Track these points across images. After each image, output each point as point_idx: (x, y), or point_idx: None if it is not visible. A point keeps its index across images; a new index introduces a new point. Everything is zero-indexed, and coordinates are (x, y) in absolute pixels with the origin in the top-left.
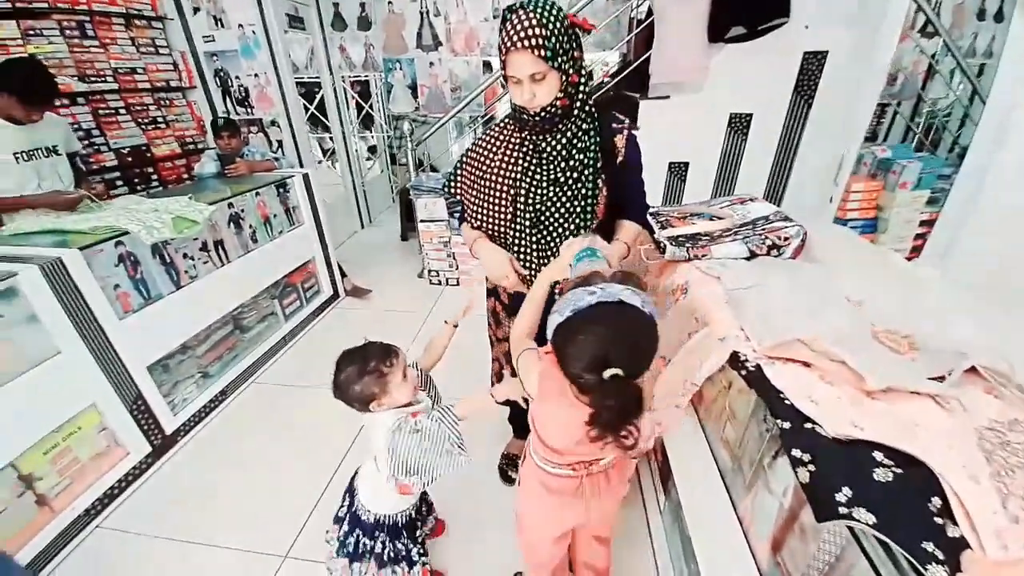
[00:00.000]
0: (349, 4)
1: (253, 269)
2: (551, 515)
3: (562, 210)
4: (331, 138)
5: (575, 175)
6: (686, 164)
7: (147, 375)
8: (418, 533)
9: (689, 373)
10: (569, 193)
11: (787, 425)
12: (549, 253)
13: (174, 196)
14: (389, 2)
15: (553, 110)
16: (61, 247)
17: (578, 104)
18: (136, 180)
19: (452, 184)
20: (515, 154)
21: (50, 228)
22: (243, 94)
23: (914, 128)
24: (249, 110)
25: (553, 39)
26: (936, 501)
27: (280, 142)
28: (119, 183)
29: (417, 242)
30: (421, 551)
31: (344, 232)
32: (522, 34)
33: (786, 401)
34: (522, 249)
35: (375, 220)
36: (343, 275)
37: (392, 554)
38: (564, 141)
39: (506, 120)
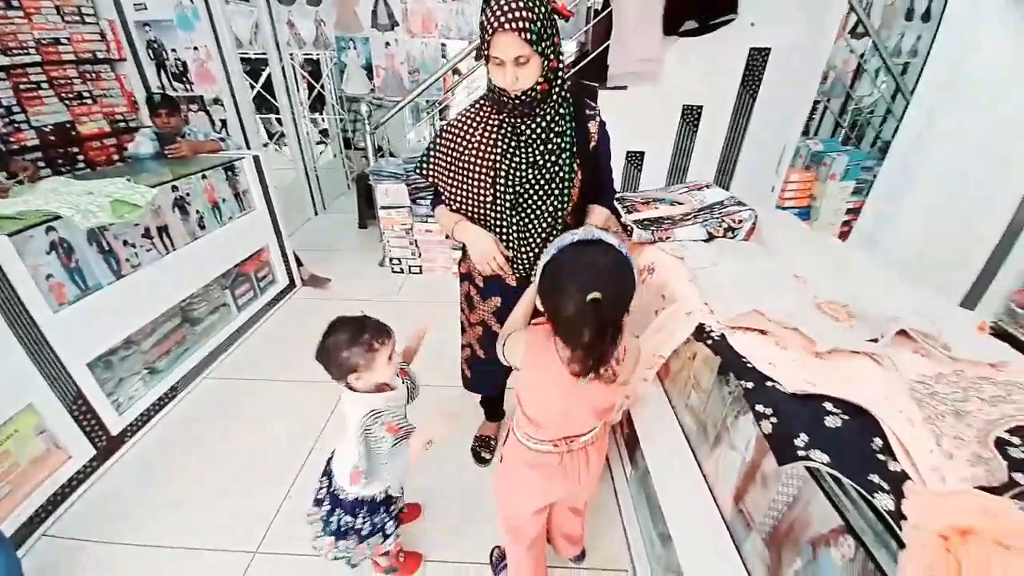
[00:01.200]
0: None
1: (201, 257)
2: (533, 489)
3: (540, 192)
4: (278, 120)
5: (553, 158)
6: (642, 153)
7: (87, 372)
8: (392, 508)
9: (658, 347)
10: (548, 176)
11: (750, 385)
12: (528, 234)
13: (109, 178)
14: None
15: (533, 94)
16: None
17: (556, 89)
18: (60, 161)
19: (425, 166)
20: (493, 136)
21: None
22: (181, 68)
23: (842, 123)
24: (188, 86)
25: (538, 23)
26: (878, 441)
27: (224, 122)
28: (41, 164)
29: (377, 229)
30: (396, 525)
31: (297, 220)
32: (510, 15)
33: (748, 365)
34: (502, 231)
35: (329, 207)
36: (299, 264)
37: (371, 529)
38: (544, 125)
39: (482, 102)
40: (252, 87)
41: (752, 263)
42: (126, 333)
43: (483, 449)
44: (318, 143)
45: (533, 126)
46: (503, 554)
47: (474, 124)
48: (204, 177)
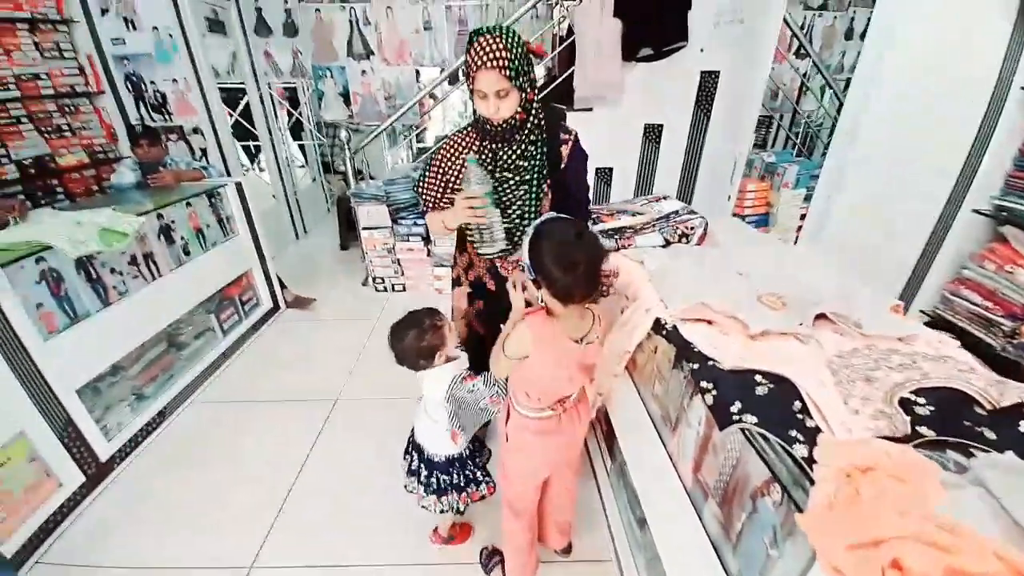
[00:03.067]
0: (273, 10)
1: (186, 283)
2: (541, 453)
3: (510, 207)
4: (256, 147)
5: (518, 179)
6: (611, 169)
7: (76, 399)
8: (478, 460)
9: (623, 343)
10: (512, 196)
11: (696, 366)
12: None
13: (95, 208)
14: (317, 10)
15: (513, 122)
16: None
17: (531, 117)
18: (40, 193)
19: (422, 184)
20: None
21: None
22: (159, 100)
23: (792, 136)
24: (167, 117)
25: (516, 61)
26: (797, 404)
27: (204, 150)
28: (21, 197)
29: (360, 250)
30: (484, 473)
31: (279, 244)
32: (491, 55)
33: (695, 349)
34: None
35: (310, 231)
36: (283, 287)
37: (464, 480)
38: (518, 151)
39: (468, 129)
40: (231, 115)
41: (702, 263)
42: (114, 359)
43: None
44: (300, 167)
45: (509, 152)
46: (492, 552)
47: (461, 148)
48: (188, 205)
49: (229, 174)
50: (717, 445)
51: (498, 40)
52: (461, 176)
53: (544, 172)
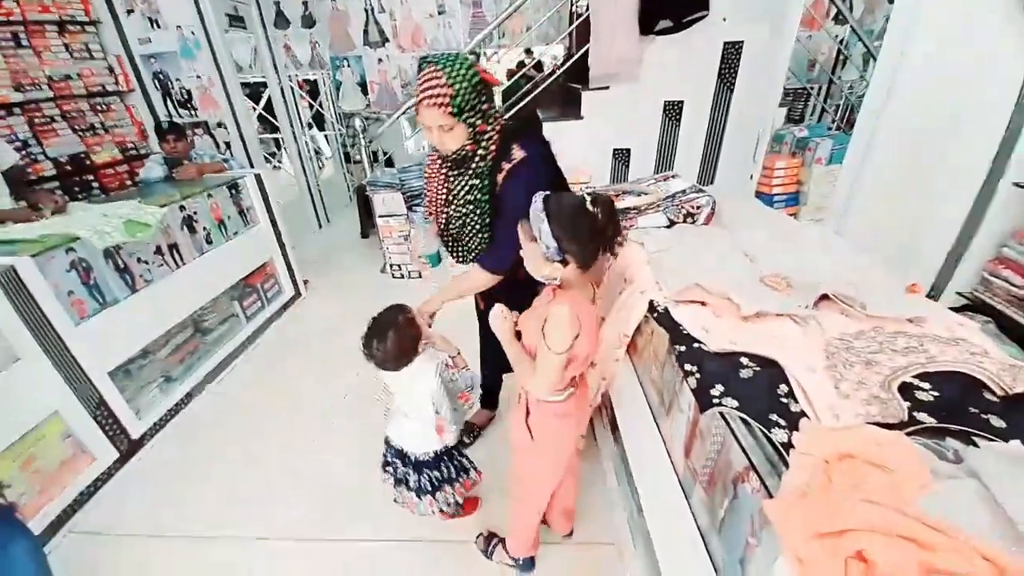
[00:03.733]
0: (291, 2)
1: (210, 271)
2: (569, 439)
3: (465, 232)
4: (279, 139)
5: (465, 210)
6: (628, 150)
7: (108, 381)
8: (464, 447)
9: (621, 326)
10: (461, 223)
11: (682, 348)
12: (463, 254)
13: (121, 201)
14: None
15: (463, 152)
16: (10, 256)
17: (482, 149)
18: (77, 188)
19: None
20: (438, 185)
21: None
22: (185, 96)
23: (827, 109)
24: (193, 112)
25: (460, 98)
26: (783, 388)
27: (228, 144)
28: (59, 192)
29: (377, 238)
30: (469, 460)
31: (302, 233)
32: (431, 92)
33: (684, 331)
34: (449, 247)
35: (333, 220)
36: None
37: (455, 472)
38: (468, 185)
39: (435, 150)
40: (254, 109)
41: (706, 244)
42: (142, 344)
43: (465, 435)
44: (326, 157)
45: (462, 181)
46: (488, 536)
47: (432, 171)
48: (209, 196)
49: (252, 166)
50: (704, 431)
51: (441, 75)
52: (431, 199)
53: (486, 204)
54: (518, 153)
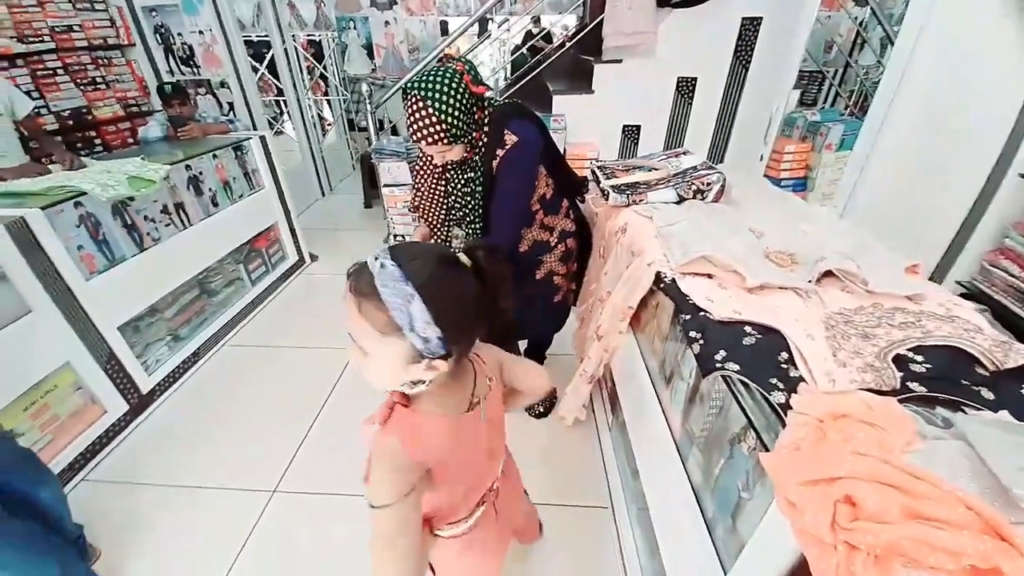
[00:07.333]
0: None
1: (216, 233)
2: (487, 564)
3: (466, 221)
4: (282, 102)
5: (464, 200)
6: (638, 127)
7: (118, 335)
8: None
9: (626, 298)
10: (462, 214)
11: (688, 317)
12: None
13: (123, 159)
14: None
15: (463, 158)
16: (19, 208)
17: (480, 149)
18: (80, 145)
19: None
20: (433, 183)
21: (2, 191)
22: (187, 53)
23: (842, 93)
24: (195, 70)
25: (453, 127)
26: (783, 355)
27: (231, 104)
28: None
29: (382, 208)
30: None
31: (304, 201)
32: (425, 132)
33: (690, 301)
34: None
35: (336, 188)
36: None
37: None
38: (466, 179)
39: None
40: (256, 70)
41: (714, 220)
42: (150, 301)
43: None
44: (329, 125)
45: (460, 177)
46: None
47: (425, 165)
48: (215, 156)
49: (255, 128)
50: (704, 394)
51: (429, 110)
52: (423, 191)
53: (480, 193)
54: (510, 138)
